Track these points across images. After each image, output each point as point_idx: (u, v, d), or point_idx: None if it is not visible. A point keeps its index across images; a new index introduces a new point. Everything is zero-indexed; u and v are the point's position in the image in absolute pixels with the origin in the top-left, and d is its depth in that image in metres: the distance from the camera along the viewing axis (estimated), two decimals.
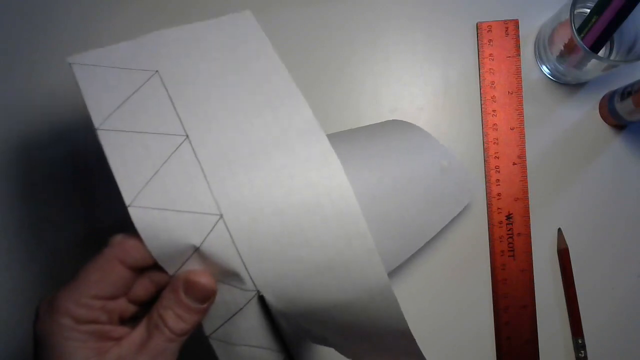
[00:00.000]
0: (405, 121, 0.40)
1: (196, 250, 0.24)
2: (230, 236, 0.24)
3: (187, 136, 0.24)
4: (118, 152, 0.23)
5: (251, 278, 0.25)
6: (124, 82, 0.24)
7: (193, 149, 0.24)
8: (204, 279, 0.24)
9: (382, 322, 0.26)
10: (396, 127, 0.39)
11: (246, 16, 0.27)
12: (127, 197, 0.23)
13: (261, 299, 0.25)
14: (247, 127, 0.25)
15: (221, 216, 0.23)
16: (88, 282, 0.23)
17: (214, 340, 0.26)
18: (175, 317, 0.24)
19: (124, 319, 0.25)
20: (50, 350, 0.22)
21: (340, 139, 0.36)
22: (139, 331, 0.24)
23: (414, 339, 0.26)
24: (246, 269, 0.24)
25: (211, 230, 0.23)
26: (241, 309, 0.25)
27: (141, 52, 0.25)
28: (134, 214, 0.23)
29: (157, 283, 0.25)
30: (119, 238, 0.24)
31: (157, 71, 0.24)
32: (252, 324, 0.26)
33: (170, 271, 0.24)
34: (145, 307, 0.26)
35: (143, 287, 0.25)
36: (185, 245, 0.24)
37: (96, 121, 0.23)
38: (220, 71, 0.25)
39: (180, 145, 0.24)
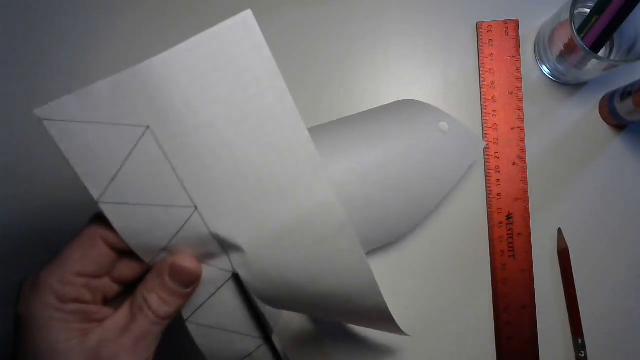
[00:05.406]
0: (403, 99, 0.40)
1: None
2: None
3: (201, 214, 0.24)
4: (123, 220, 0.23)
5: (228, 257, 0.25)
6: (113, 145, 0.22)
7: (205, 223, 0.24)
8: (190, 264, 0.24)
9: (355, 291, 0.26)
10: (392, 104, 0.39)
11: (247, 25, 0.22)
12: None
13: (237, 279, 0.25)
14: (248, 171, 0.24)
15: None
16: (71, 260, 0.23)
17: (191, 324, 0.26)
18: (159, 301, 0.24)
19: (108, 299, 0.25)
20: (33, 331, 0.22)
21: (338, 126, 0.37)
22: (122, 313, 0.24)
23: (382, 296, 0.26)
24: (223, 249, 0.25)
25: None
26: (219, 288, 0.25)
27: (125, 98, 0.21)
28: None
29: (143, 264, 0.25)
30: (100, 216, 0.23)
31: (148, 127, 0.22)
32: (229, 309, 0.26)
33: (147, 259, 0.24)
34: (128, 288, 0.25)
35: (129, 267, 0.25)
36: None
37: (95, 194, 0.22)
38: (224, 114, 0.23)
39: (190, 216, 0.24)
